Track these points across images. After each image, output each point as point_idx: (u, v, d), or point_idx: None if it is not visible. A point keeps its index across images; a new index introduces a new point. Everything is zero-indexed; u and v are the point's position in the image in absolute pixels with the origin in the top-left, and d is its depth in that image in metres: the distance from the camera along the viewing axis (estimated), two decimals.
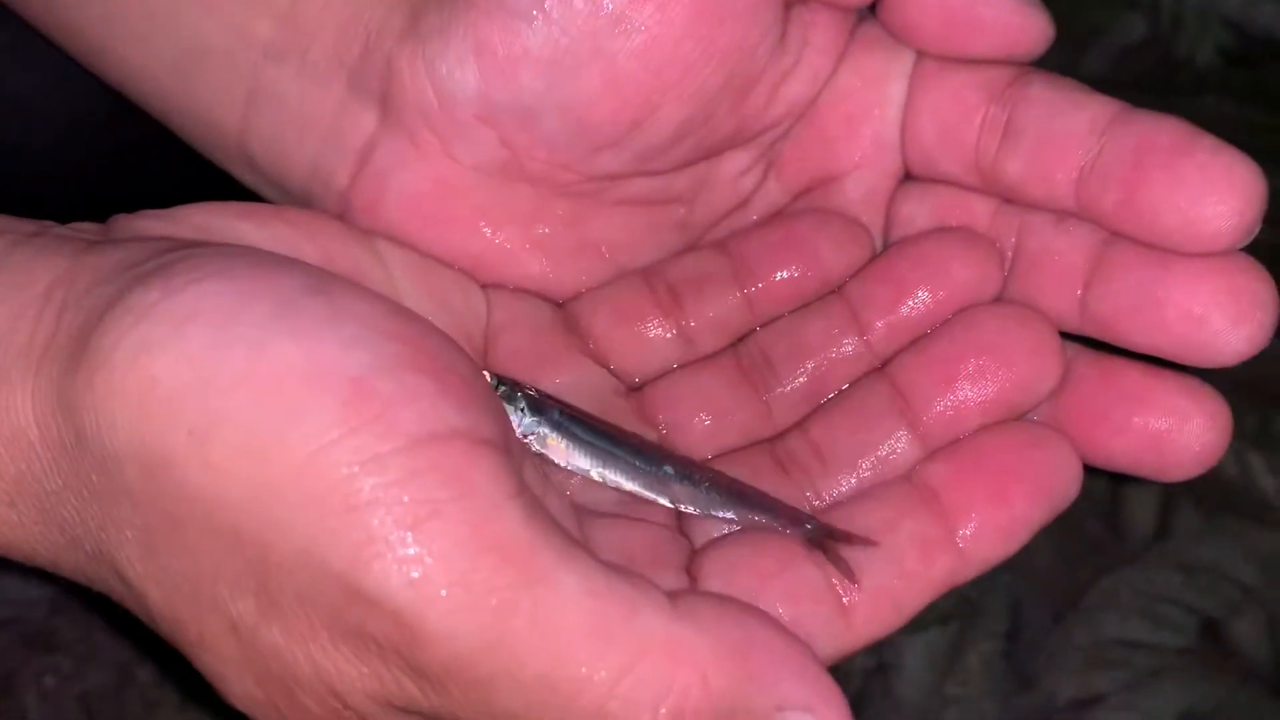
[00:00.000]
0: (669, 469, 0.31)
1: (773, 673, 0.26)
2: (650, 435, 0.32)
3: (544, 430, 0.31)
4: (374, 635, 0.25)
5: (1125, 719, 0.52)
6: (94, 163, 0.41)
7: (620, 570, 0.26)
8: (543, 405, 0.31)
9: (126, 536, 0.26)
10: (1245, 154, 0.29)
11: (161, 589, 0.26)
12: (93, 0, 0.33)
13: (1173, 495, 0.55)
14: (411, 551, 0.24)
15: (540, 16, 0.30)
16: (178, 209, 0.29)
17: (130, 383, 0.25)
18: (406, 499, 0.24)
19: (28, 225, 0.29)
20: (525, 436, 0.31)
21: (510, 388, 0.31)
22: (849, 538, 0.30)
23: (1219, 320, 0.29)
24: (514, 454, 0.26)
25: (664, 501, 0.31)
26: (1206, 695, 0.53)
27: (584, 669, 0.24)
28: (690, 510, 0.31)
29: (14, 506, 0.27)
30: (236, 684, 0.26)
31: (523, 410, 0.30)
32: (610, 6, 0.30)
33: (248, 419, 0.24)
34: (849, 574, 0.29)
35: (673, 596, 0.26)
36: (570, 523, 0.29)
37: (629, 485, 0.31)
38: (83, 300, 0.26)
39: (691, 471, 0.31)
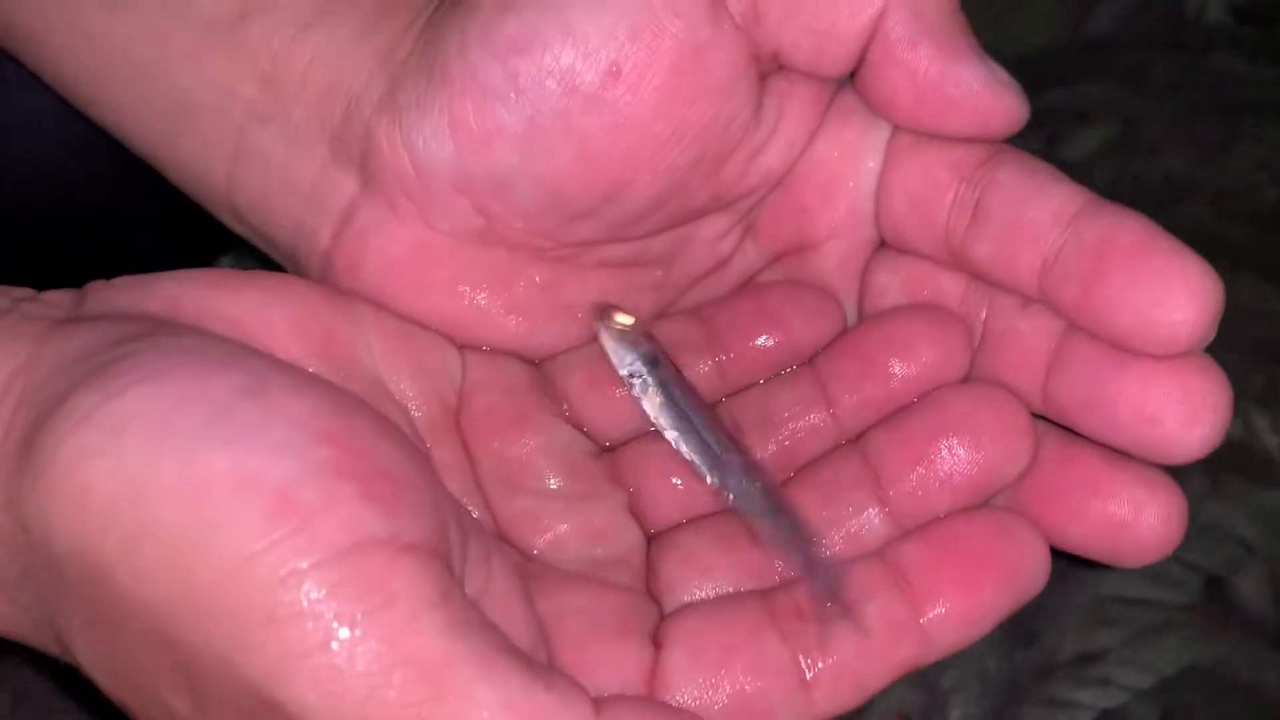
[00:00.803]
0: (734, 459, 0.32)
1: None
2: (622, 497, 0.33)
3: (650, 382, 0.32)
4: None
5: (1127, 674, 0.52)
6: (105, 182, 0.42)
7: (546, 677, 0.26)
8: (657, 361, 0.32)
9: (75, 628, 0.27)
10: (1203, 259, 0.30)
11: (109, 677, 0.27)
12: (85, 51, 0.34)
13: None
14: (328, 666, 0.24)
15: (514, 94, 0.30)
16: (151, 278, 0.30)
17: (68, 488, 0.25)
18: (324, 613, 0.24)
19: None
20: (631, 378, 0.32)
21: (634, 336, 0.32)
22: (846, 608, 0.30)
23: (1171, 422, 0.29)
24: (450, 547, 0.27)
25: (714, 481, 0.32)
26: (1208, 651, 0.53)
27: None
28: (732, 502, 0.32)
29: None
30: None
31: (637, 362, 0.32)
32: (583, 86, 0.30)
33: (174, 530, 0.25)
34: (842, 608, 0.30)
35: (600, 705, 0.26)
36: (515, 607, 0.29)
37: (691, 456, 0.32)
38: (37, 394, 0.27)
39: (753, 473, 0.32)
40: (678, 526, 0.32)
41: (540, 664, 0.27)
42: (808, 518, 0.32)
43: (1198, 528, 0.55)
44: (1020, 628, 0.53)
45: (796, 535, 0.31)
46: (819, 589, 0.30)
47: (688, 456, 0.32)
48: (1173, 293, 0.29)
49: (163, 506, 0.25)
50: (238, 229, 0.35)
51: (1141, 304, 0.29)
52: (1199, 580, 0.55)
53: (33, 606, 0.27)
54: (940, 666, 0.52)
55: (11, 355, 0.28)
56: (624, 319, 0.32)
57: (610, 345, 0.32)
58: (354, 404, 0.27)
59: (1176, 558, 0.57)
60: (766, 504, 0.31)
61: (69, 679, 0.29)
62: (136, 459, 0.25)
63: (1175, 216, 0.64)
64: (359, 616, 0.25)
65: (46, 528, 0.26)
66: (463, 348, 0.33)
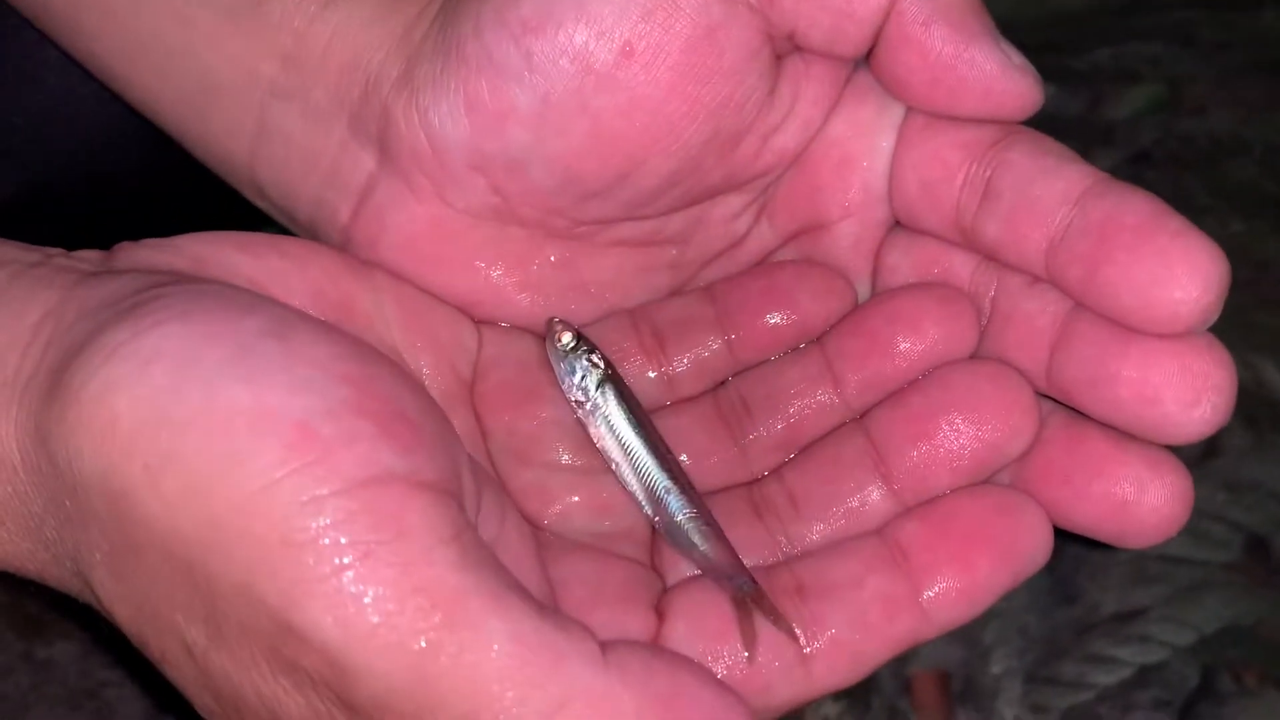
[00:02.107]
0: (668, 484, 0.32)
1: None
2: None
3: (595, 406, 0.32)
4: (307, 669, 0.26)
5: (1166, 631, 0.53)
6: (140, 161, 0.42)
7: (554, 617, 0.26)
8: (602, 384, 0.32)
9: (96, 559, 0.27)
10: (1209, 237, 0.29)
11: (127, 608, 0.27)
12: (115, 35, 0.34)
13: None
14: (342, 591, 0.25)
15: (528, 73, 0.30)
16: (178, 239, 0.31)
17: (96, 418, 0.26)
18: (340, 540, 0.25)
19: (31, 255, 0.30)
20: (576, 404, 0.32)
21: (595, 357, 0.32)
22: (776, 618, 0.30)
23: (1170, 402, 0.29)
24: (464, 492, 0.27)
25: (639, 497, 0.32)
26: (1249, 609, 0.53)
27: (505, 713, 0.25)
28: (652, 518, 0.32)
29: (3, 524, 0.28)
30: (197, 698, 0.28)
31: (587, 380, 0.32)
32: (596, 66, 0.30)
33: (197, 457, 0.25)
34: (790, 633, 0.30)
35: (605, 647, 0.27)
36: (526, 559, 0.29)
37: (623, 474, 0.32)
38: (65, 335, 0.27)
39: (684, 498, 0.32)
40: None
41: (548, 606, 0.27)
42: (737, 556, 0.31)
43: (1241, 487, 0.55)
44: (1061, 585, 0.54)
45: (729, 568, 0.31)
46: (751, 598, 0.30)
47: (628, 485, 0.32)
48: (1175, 272, 0.29)
49: (187, 435, 0.25)
50: (260, 204, 0.35)
51: (1143, 283, 0.29)
52: (1241, 539, 0.55)
53: (54, 541, 0.28)
54: (981, 622, 0.52)
55: (43, 300, 0.28)
56: (568, 339, 0.32)
57: (556, 367, 0.32)
58: (373, 353, 0.28)
59: (1219, 516, 0.57)
60: (700, 536, 0.31)
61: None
62: (162, 389, 0.26)
63: (1221, 175, 0.64)
64: (373, 545, 0.25)
65: (73, 456, 0.26)
66: (479, 323, 0.33)
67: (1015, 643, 0.53)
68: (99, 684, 0.53)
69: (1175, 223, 0.29)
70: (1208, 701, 0.52)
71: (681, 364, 0.34)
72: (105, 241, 0.31)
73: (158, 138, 0.36)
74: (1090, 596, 0.53)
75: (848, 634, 0.30)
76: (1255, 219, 0.61)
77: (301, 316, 0.28)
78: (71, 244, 0.31)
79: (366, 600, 0.25)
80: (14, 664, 0.53)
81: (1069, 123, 0.64)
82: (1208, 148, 0.64)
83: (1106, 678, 0.52)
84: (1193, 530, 0.55)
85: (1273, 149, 0.64)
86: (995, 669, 0.53)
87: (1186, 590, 0.53)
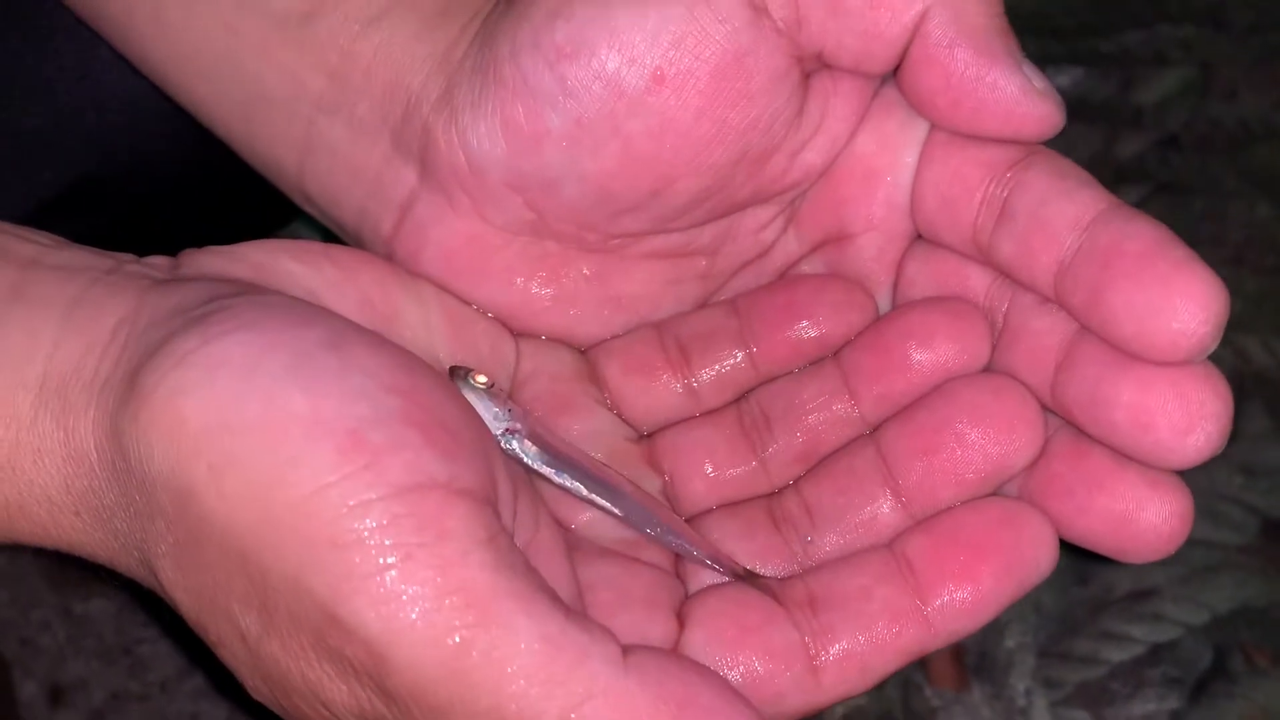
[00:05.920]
0: (627, 492, 0.32)
1: None
2: (656, 482, 0.34)
3: (524, 434, 0.32)
4: (350, 659, 0.27)
5: (1180, 610, 0.53)
6: (194, 159, 0.43)
7: (580, 619, 0.28)
8: (525, 415, 0.32)
9: (161, 550, 0.29)
10: (1210, 269, 0.30)
11: (188, 596, 0.29)
12: (167, 41, 0.35)
13: (1243, 399, 0.56)
14: (385, 589, 0.27)
15: (562, 97, 0.31)
16: (238, 247, 0.32)
17: (165, 419, 0.28)
18: (385, 541, 0.27)
19: (105, 262, 0.31)
20: (507, 434, 0.32)
21: (498, 394, 0.32)
22: (761, 581, 0.32)
23: (1164, 428, 0.30)
24: (498, 499, 0.29)
25: (616, 511, 0.32)
26: (1263, 591, 0.54)
27: (530, 707, 0.27)
28: (632, 526, 0.32)
29: (79, 515, 0.30)
30: (249, 680, 0.30)
31: (507, 418, 0.32)
32: (628, 91, 0.31)
33: (256, 460, 0.27)
34: (773, 595, 0.31)
35: (626, 650, 0.28)
36: (558, 563, 0.30)
37: (590, 495, 0.32)
38: (140, 340, 0.29)
39: (646, 500, 0.33)
40: (708, 511, 0.34)
41: (575, 609, 0.29)
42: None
43: (1258, 471, 0.56)
44: (1076, 563, 0.54)
45: (703, 547, 0.32)
46: (741, 579, 0.32)
47: (586, 495, 0.33)
48: (1174, 302, 0.29)
49: (247, 438, 0.27)
50: (307, 209, 0.36)
51: (1142, 311, 0.29)
52: (1257, 522, 0.55)
53: (123, 532, 0.30)
54: None
55: (118, 305, 0.30)
56: (482, 378, 0.32)
57: (479, 405, 0.32)
58: (420, 364, 0.29)
59: (1235, 499, 0.57)
60: (667, 525, 0.32)
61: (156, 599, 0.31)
62: (226, 396, 0.27)
63: (1250, 160, 0.64)
64: (415, 546, 0.27)
65: (144, 454, 0.28)
66: (518, 336, 0.34)
67: (1030, 618, 0.53)
68: (134, 640, 0.54)
69: (1178, 252, 0.30)
70: (1220, 680, 0.52)
71: (705, 377, 0.34)
72: (155, 232, 0.32)
73: (206, 133, 0.37)
74: (1105, 575, 0.54)
75: (856, 645, 0.31)
76: None
77: (356, 329, 0.29)
78: (123, 233, 0.32)
79: (406, 598, 0.26)
80: (51, 619, 0.55)
81: (1098, 106, 0.64)
82: (1237, 132, 0.64)
83: (1119, 654, 0.53)
84: (1209, 512, 0.55)
85: None
86: (1009, 643, 0.53)
87: (1201, 571, 0.54)
